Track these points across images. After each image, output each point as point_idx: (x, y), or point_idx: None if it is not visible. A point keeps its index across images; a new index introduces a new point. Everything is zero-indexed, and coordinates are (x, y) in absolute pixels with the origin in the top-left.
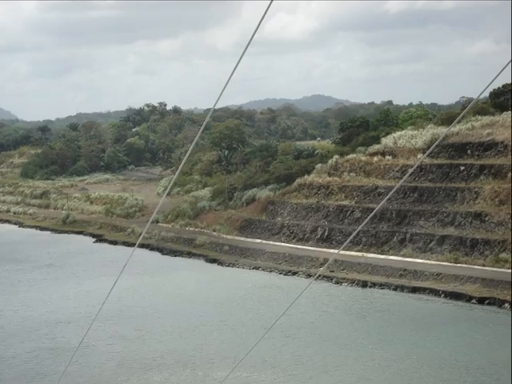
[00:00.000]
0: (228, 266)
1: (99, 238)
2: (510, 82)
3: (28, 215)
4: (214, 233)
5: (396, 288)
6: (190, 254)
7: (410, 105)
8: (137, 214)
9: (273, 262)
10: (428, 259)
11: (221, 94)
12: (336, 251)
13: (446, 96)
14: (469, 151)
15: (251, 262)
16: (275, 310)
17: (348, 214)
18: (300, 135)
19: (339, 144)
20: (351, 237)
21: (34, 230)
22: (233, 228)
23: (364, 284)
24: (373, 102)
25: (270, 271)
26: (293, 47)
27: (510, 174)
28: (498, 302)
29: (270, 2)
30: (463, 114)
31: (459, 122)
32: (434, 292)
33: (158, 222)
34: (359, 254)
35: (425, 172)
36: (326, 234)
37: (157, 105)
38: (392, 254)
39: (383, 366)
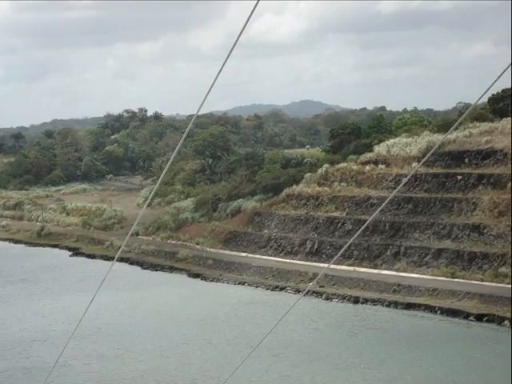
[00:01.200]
0: (212, 281)
1: (76, 252)
2: (509, 86)
3: (0, 227)
4: (198, 246)
5: (389, 304)
6: (171, 269)
7: (405, 111)
8: (116, 226)
9: (259, 277)
10: (423, 274)
11: (204, 99)
12: (326, 265)
13: (442, 101)
14: (466, 160)
15: (236, 276)
16: (262, 327)
17: (339, 226)
18: (288, 143)
19: (329, 152)
20: (342, 250)
21: (6, 243)
22: (217, 241)
23: (356, 300)
24: (365, 108)
25: (257, 286)
26: (280, 50)
27: (509, 184)
28: (497, 319)
29: (257, 2)
30: (460, 120)
31: (456, 128)
32: (430, 308)
33: (138, 234)
34: (350, 268)
35: (420, 182)
36: (316, 247)
37: (137, 111)
38: (385, 269)
39: None
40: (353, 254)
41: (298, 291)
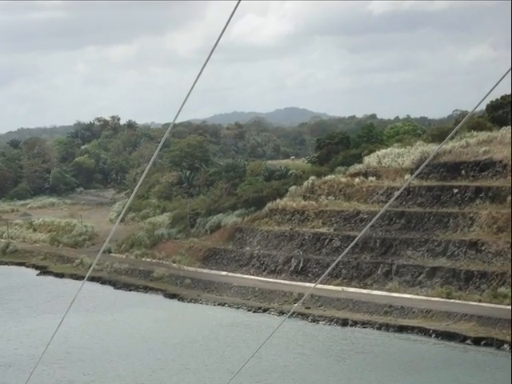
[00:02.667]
0: (190, 301)
1: (43, 270)
2: (509, 92)
3: None
4: (174, 264)
5: (380, 327)
6: (146, 289)
7: (397, 119)
8: (86, 243)
9: (240, 298)
10: (417, 294)
11: (181, 106)
12: (312, 285)
13: (437, 109)
14: (463, 171)
15: (216, 297)
16: (243, 351)
17: (326, 242)
18: (271, 153)
19: (316, 163)
20: (329, 269)
21: None
22: (195, 259)
23: (344, 322)
24: (354, 116)
25: (238, 308)
26: (263, 53)
27: (509, 198)
28: (496, 343)
29: (238, 2)
30: (457, 129)
31: (452, 138)
32: (424, 331)
33: (110, 251)
34: (338, 288)
35: (413, 195)
36: (301, 265)
37: (109, 119)
38: (376, 289)
39: None
40: (341, 273)
41: (282, 313)
